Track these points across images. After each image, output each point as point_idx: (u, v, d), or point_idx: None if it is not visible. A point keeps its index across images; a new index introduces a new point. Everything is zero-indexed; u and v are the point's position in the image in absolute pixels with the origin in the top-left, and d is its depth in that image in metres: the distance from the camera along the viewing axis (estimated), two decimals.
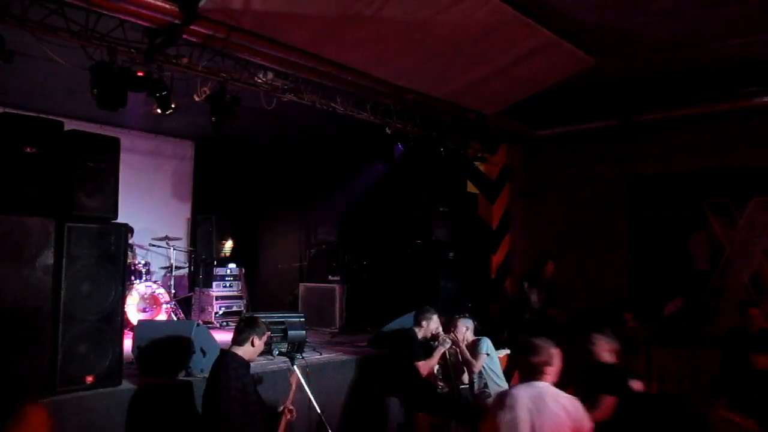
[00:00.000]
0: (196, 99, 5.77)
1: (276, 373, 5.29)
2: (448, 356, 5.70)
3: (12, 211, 4.17)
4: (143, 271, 8.24)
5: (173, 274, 8.80)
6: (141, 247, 8.78)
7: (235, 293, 9.21)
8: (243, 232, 9.99)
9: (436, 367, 5.80)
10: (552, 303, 7.58)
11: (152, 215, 9.28)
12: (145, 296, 7.94)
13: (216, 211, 9.63)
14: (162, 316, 7.94)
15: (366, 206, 9.29)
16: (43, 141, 4.34)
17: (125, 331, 5.29)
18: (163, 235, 8.89)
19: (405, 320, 6.46)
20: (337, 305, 8.53)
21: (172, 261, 8.87)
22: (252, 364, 4.37)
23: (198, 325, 5.27)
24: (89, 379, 4.36)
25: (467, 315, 6.27)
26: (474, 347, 5.81)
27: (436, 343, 5.64)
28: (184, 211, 10.22)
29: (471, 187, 8.96)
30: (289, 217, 10.84)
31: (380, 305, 8.06)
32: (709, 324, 7.17)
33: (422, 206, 8.42)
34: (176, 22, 4.58)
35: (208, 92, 5.71)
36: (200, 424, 4.24)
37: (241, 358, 4.11)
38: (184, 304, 9.09)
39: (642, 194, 8.17)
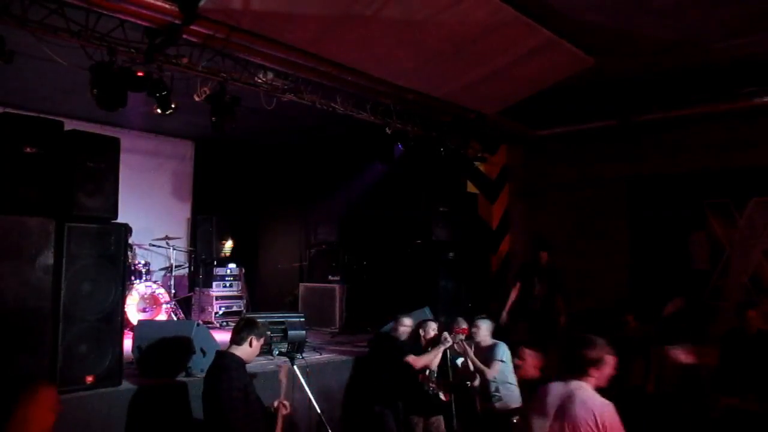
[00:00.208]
0: (196, 99, 5.77)
1: (276, 373, 5.28)
2: (449, 356, 5.68)
3: (12, 211, 4.17)
4: (143, 271, 8.24)
5: (173, 274, 8.80)
6: (141, 247, 8.78)
7: (235, 293, 9.21)
8: (243, 232, 9.99)
9: (435, 367, 5.74)
10: (558, 289, 7.60)
11: (152, 215, 9.28)
12: (145, 296, 7.93)
13: (216, 211, 9.63)
14: (162, 316, 7.94)
15: (366, 206, 9.29)
16: (43, 141, 4.34)
17: (125, 331, 5.29)
18: (163, 235, 8.89)
19: None
20: (337, 305, 8.53)
21: (172, 261, 8.87)
22: (252, 364, 4.36)
23: (198, 325, 5.27)
24: (89, 379, 4.36)
25: (485, 315, 6.14)
26: (490, 352, 5.64)
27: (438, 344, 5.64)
28: (184, 211, 10.22)
29: (471, 187, 8.97)
30: (289, 217, 10.84)
31: (380, 305, 8.05)
32: (709, 324, 7.17)
33: (422, 206, 8.43)
34: (176, 22, 4.58)
35: (208, 92, 5.71)
36: (202, 425, 4.20)
37: (239, 359, 4.08)
38: (184, 304, 9.09)
39: (642, 194, 8.17)
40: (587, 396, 3.17)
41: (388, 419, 5.45)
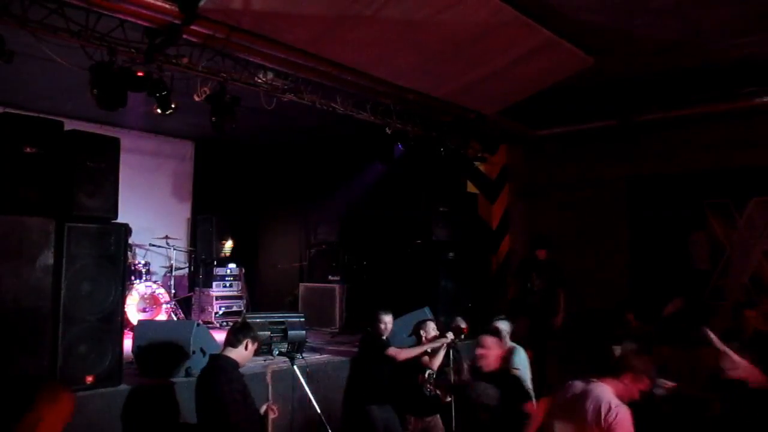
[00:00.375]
0: (196, 99, 5.77)
1: (276, 373, 5.29)
2: (452, 356, 5.66)
3: (12, 211, 4.18)
4: (143, 271, 8.25)
5: (173, 274, 8.80)
6: (141, 247, 8.79)
7: (235, 293, 9.21)
8: (243, 232, 9.98)
9: (435, 368, 5.71)
10: (559, 284, 7.63)
11: (152, 215, 9.28)
12: (145, 296, 7.94)
13: (216, 211, 9.63)
14: (162, 316, 7.94)
15: (366, 206, 9.29)
16: (43, 141, 4.35)
17: (125, 331, 5.29)
18: (163, 235, 8.89)
19: (405, 320, 6.46)
20: (337, 305, 8.53)
21: (172, 261, 8.88)
22: (253, 365, 4.35)
23: (198, 325, 5.27)
24: (89, 379, 4.36)
25: (503, 317, 5.94)
26: (507, 356, 5.41)
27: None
28: (184, 211, 10.22)
29: (471, 187, 8.98)
30: (289, 217, 10.84)
31: (380, 305, 8.05)
32: (709, 324, 7.17)
33: (422, 206, 8.42)
34: (176, 22, 4.57)
35: (208, 92, 5.71)
36: (197, 427, 4.17)
37: (234, 361, 4.05)
38: (184, 304, 9.09)
39: (642, 194, 8.17)
40: (602, 393, 3.16)
41: (376, 419, 5.44)
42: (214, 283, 9.04)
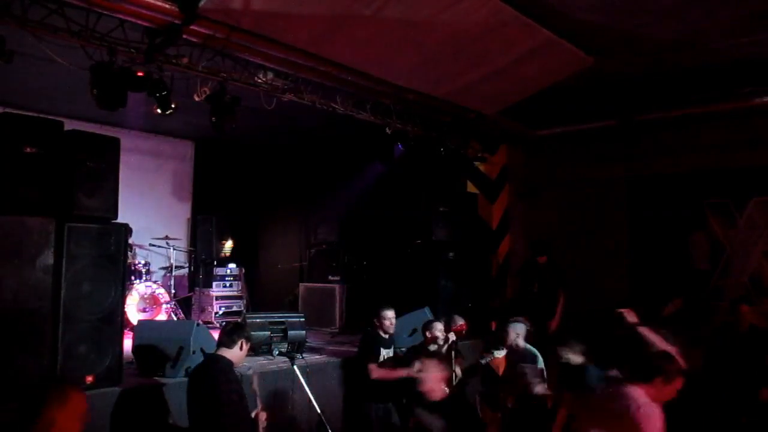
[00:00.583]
0: (196, 99, 5.77)
1: (276, 373, 5.30)
2: (453, 357, 5.65)
3: (12, 211, 4.18)
4: (143, 271, 8.25)
5: (173, 274, 8.80)
6: (141, 247, 8.78)
7: (235, 293, 9.20)
8: (243, 232, 9.99)
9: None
10: (560, 286, 7.64)
11: (152, 215, 9.28)
12: (145, 296, 7.94)
13: (216, 211, 9.63)
14: (162, 316, 7.94)
15: (366, 206, 9.29)
16: (43, 141, 4.35)
17: (125, 331, 5.29)
18: (163, 235, 8.89)
19: (405, 320, 6.46)
20: (337, 305, 8.53)
21: (172, 261, 8.88)
22: (253, 365, 4.34)
23: (198, 325, 5.27)
24: (89, 379, 4.36)
25: (519, 319, 5.69)
26: (523, 360, 5.44)
27: (433, 346, 5.62)
28: (184, 211, 10.23)
29: (471, 187, 8.98)
30: (289, 217, 10.84)
31: (380, 305, 8.05)
32: (709, 324, 7.17)
33: (422, 206, 8.43)
34: (176, 22, 4.58)
35: (208, 92, 5.71)
36: (192, 427, 4.14)
37: (229, 361, 4.04)
38: (184, 304, 9.09)
39: (642, 194, 8.17)
40: (633, 394, 3.22)
41: (373, 416, 5.44)
42: (214, 283, 9.04)
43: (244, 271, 9.49)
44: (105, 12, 4.44)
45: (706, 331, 6.68)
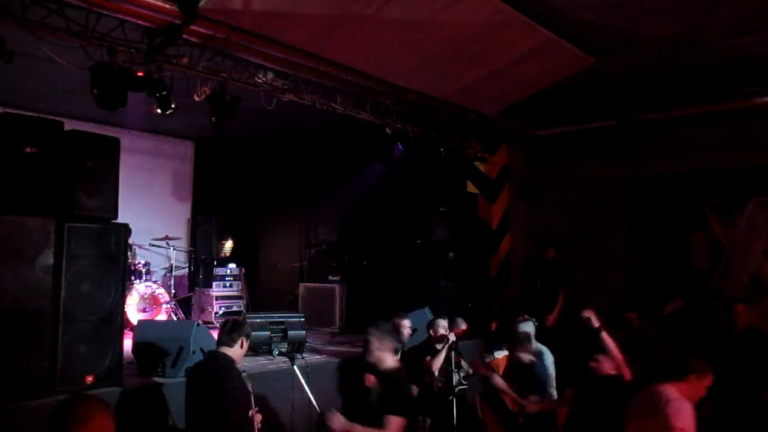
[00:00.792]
0: (196, 99, 5.77)
1: (276, 373, 5.29)
2: (453, 356, 5.64)
3: (12, 211, 4.17)
4: (143, 271, 8.24)
5: (173, 274, 8.80)
6: (141, 247, 8.79)
7: (235, 293, 9.21)
8: (243, 232, 9.99)
9: (435, 370, 5.68)
10: (561, 284, 7.63)
11: (152, 215, 9.27)
12: (145, 296, 7.94)
13: (216, 211, 9.63)
14: (162, 316, 7.94)
15: (366, 206, 9.29)
16: (43, 141, 4.34)
17: (125, 331, 5.29)
18: (163, 235, 8.89)
19: None
20: (337, 305, 8.53)
21: (172, 261, 8.88)
22: (253, 364, 4.33)
23: (198, 325, 5.26)
24: (89, 379, 4.36)
25: (527, 317, 5.48)
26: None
27: (440, 345, 5.61)
28: (184, 211, 10.23)
29: (471, 187, 8.97)
30: (289, 217, 10.84)
31: (380, 305, 8.06)
32: (709, 324, 7.18)
33: (422, 206, 8.43)
34: (176, 22, 4.58)
35: (208, 92, 5.71)
36: (193, 426, 4.12)
37: (231, 359, 4.04)
38: (184, 304, 9.09)
39: (642, 194, 8.18)
40: (666, 392, 3.28)
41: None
42: (214, 283, 9.04)
43: (244, 271, 9.50)
44: (105, 12, 4.45)
45: (705, 331, 6.70)
